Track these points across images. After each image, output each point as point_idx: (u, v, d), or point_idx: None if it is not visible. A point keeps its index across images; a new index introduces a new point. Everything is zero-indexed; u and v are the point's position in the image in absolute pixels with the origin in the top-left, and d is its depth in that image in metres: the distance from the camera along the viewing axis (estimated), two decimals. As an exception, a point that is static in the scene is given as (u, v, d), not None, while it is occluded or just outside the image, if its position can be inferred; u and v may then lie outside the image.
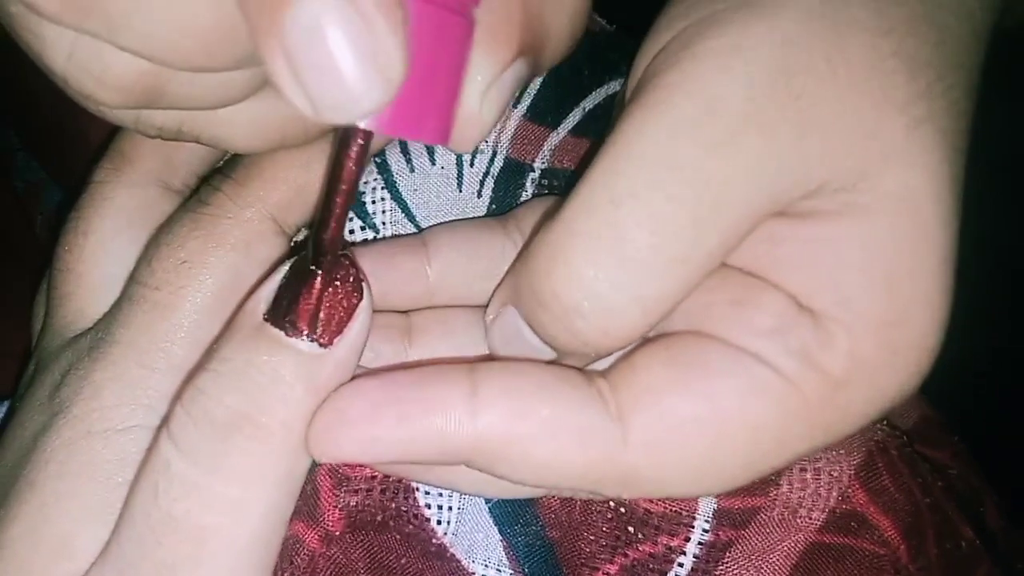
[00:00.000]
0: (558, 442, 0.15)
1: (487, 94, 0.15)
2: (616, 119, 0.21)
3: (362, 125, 0.13)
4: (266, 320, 0.16)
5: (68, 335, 0.20)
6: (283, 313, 0.15)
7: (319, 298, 0.15)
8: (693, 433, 0.16)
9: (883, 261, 0.15)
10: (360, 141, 0.14)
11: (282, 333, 0.15)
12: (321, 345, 0.16)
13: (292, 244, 0.20)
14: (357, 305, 0.16)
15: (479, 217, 0.21)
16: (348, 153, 0.14)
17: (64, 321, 0.20)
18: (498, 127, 0.22)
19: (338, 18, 0.11)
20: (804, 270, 0.16)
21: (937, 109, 0.15)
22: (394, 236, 0.21)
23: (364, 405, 0.16)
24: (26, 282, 0.26)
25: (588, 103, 0.22)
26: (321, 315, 0.15)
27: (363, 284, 0.16)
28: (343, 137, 0.14)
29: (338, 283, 0.16)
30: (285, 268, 0.16)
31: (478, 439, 0.15)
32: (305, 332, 0.15)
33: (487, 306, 0.18)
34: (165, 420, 0.16)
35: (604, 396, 0.16)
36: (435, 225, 0.21)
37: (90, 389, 0.18)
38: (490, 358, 0.18)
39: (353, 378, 0.16)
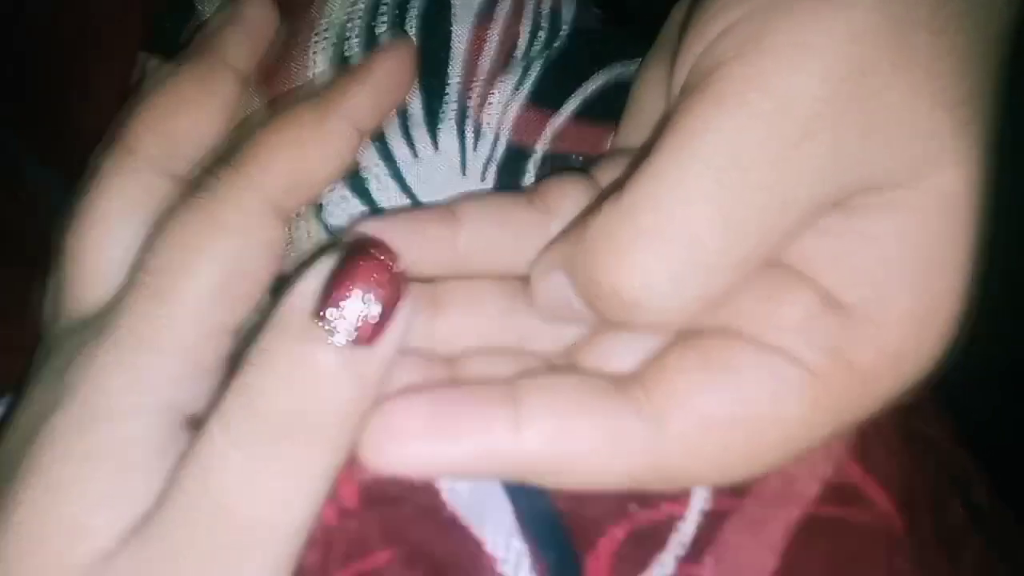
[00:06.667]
0: (601, 455, 0.16)
1: None
2: (638, 93, 0.21)
3: None
4: (312, 319, 0.16)
5: (75, 319, 0.20)
6: (328, 312, 0.16)
7: (367, 296, 0.16)
8: (727, 434, 0.16)
9: (919, 257, 0.16)
10: None
11: (328, 333, 0.16)
12: (366, 344, 0.16)
13: (334, 238, 0.20)
14: (399, 302, 0.16)
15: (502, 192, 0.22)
16: None
17: (71, 306, 0.20)
18: (501, 112, 0.22)
19: None
20: (840, 264, 0.16)
21: (978, 110, 0.16)
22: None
23: (416, 424, 0.16)
24: (34, 282, 0.26)
25: (589, 86, 0.23)
26: (366, 314, 0.16)
27: (405, 283, 0.16)
28: None
29: (384, 281, 0.16)
30: (326, 265, 0.16)
31: (525, 458, 0.16)
32: (351, 331, 0.16)
33: (534, 264, 0.19)
34: (216, 412, 0.17)
35: (640, 403, 0.17)
36: (463, 195, 0.21)
37: (95, 372, 0.18)
38: (511, 330, 0.19)
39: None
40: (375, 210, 0.22)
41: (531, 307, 0.19)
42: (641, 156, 0.16)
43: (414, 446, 0.16)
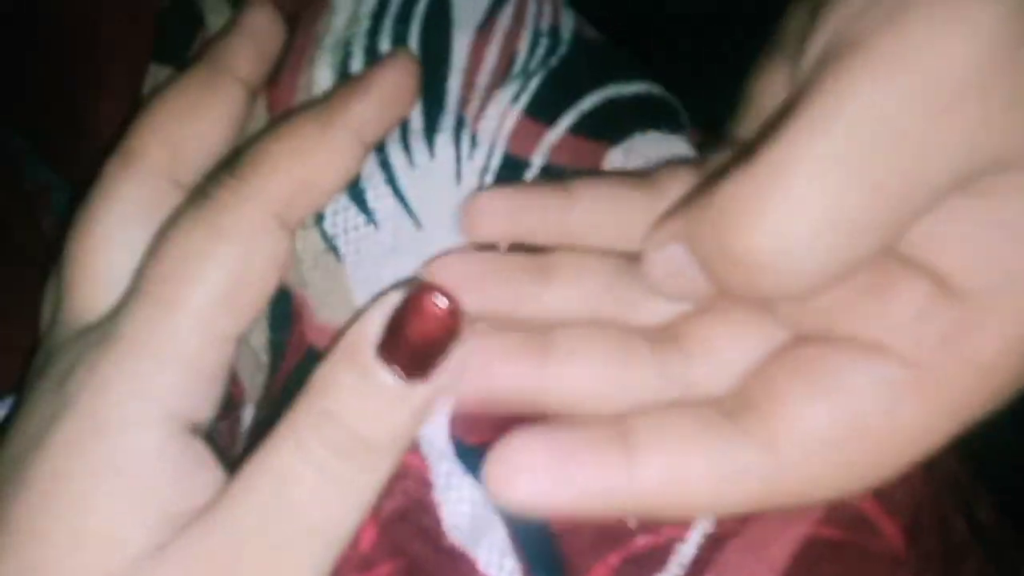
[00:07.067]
0: (716, 487, 0.17)
1: None
2: (758, 88, 0.20)
3: None
4: (376, 352, 0.17)
5: (76, 326, 0.20)
6: (390, 348, 0.17)
7: (424, 337, 0.17)
8: (843, 452, 0.16)
9: None
10: None
11: (389, 368, 0.17)
12: (422, 378, 0.18)
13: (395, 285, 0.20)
14: (454, 340, 0.18)
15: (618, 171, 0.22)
16: None
17: (72, 313, 0.20)
18: (497, 122, 0.22)
19: None
20: (962, 248, 0.16)
21: None
22: (393, 231, 0.21)
23: (537, 462, 0.17)
24: (34, 282, 0.26)
25: (585, 104, 0.23)
26: (424, 351, 0.17)
27: (461, 323, 0.18)
28: None
29: (440, 323, 0.17)
30: (391, 301, 0.18)
31: (640, 497, 0.17)
32: (410, 367, 0.17)
33: (649, 236, 0.19)
34: (287, 427, 0.18)
35: (751, 430, 0.17)
36: (578, 175, 0.21)
37: (98, 382, 0.18)
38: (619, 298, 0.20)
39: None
40: (370, 220, 0.21)
41: (637, 283, 0.19)
42: (764, 133, 0.16)
43: (535, 483, 0.17)
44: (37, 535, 0.17)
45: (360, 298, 0.21)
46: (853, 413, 0.16)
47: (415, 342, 0.17)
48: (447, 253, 0.20)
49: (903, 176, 0.15)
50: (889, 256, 0.17)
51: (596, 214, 0.20)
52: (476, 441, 0.20)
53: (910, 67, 0.15)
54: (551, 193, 0.20)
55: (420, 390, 0.18)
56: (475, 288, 0.19)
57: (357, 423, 0.17)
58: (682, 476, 0.17)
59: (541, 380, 0.18)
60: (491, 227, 0.20)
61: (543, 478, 0.17)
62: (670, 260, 0.18)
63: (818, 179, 0.15)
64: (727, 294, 0.17)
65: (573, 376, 0.18)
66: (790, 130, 0.15)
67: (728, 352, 0.18)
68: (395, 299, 0.18)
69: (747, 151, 0.16)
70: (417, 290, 0.18)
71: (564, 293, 0.20)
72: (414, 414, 0.18)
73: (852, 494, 0.17)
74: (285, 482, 0.17)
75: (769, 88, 0.20)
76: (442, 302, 0.17)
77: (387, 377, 0.17)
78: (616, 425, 0.17)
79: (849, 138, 0.15)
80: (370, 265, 0.21)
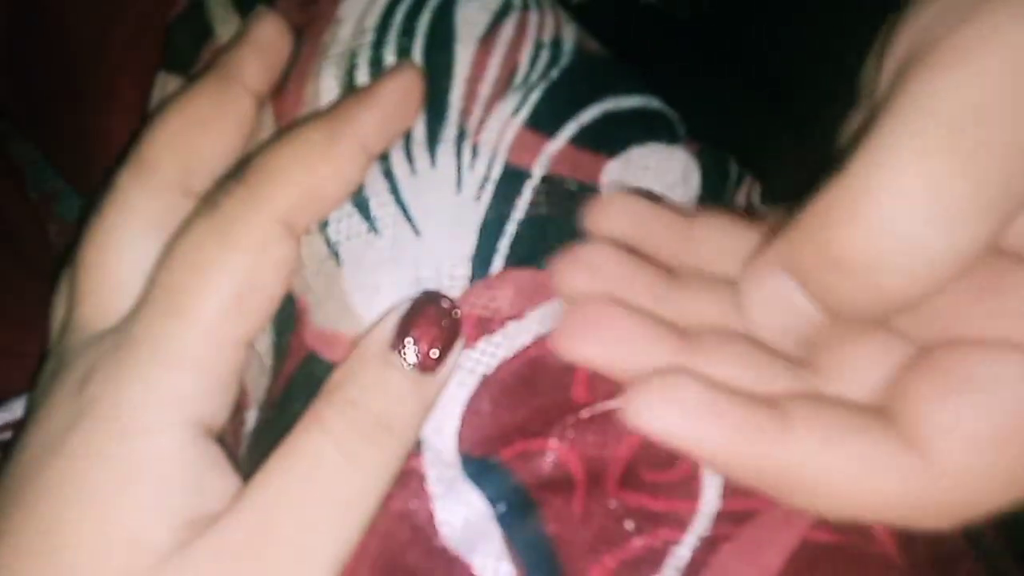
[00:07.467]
0: (864, 478, 0.16)
1: None
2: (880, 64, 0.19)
3: None
4: (390, 349, 0.19)
5: (90, 332, 0.20)
6: (404, 344, 0.20)
7: (432, 335, 0.20)
8: (1001, 452, 0.16)
9: None
10: None
11: (402, 361, 0.19)
12: (429, 371, 0.19)
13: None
14: (455, 340, 0.20)
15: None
16: None
17: (85, 319, 0.21)
18: (498, 134, 0.23)
19: None
20: None
21: None
22: (393, 238, 0.22)
23: (690, 398, 0.17)
24: (40, 288, 0.27)
25: (585, 116, 0.23)
26: (430, 348, 0.20)
27: (460, 326, 0.20)
28: None
29: (445, 324, 0.20)
30: (401, 308, 0.20)
31: (786, 465, 0.17)
32: (420, 360, 0.19)
33: (745, 274, 0.18)
34: (313, 414, 0.19)
35: (901, 434, 0.17)
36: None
37: (116, 389, 0.19)
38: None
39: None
40: (372, 227, 0.22)
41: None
42: (849, 150, 0.16)
43: (685, 415, 0.17)
44: (65, 539, 0.18)
45: (357, 304, 0.21)
46: (1001, 411, 0.16)
47: (423, 340, 0.20)
48: (595, 242, 0.20)
49: (1003, 160, 0.15)
50: (995, 255, 0.16)
51: (713, 241, 0.21)
52: (480, 454, 0.20)
53: (996, 51, 0.15)
54: (673, 210, 0.21)
55: (430, 381, 0.19)
56: (618, 277, 0.19)
57: (379, 409, 0.19)
58: (834, 456, 0.16)
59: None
60: (618, 225, 0.21)
61: (694, 413, 0.17)
62: (771, 291, 0.17)
63: (919, 171, 0.15)
64: (837, 316, 0.17)
65: (713, 372, 0.18)
66: (881, 131, 0.15)
67: (859, 370, 0.18)
68: (406, 305, 0.20)
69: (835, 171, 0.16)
70: (425, 297, 0.20)
71: (699, 302, 0.20)
72: (427, 402, 0.20)
73: (1011, 501, 0.16)
74: (313, 463, 0.18)
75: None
76: (446, 306, 0.20)
77: (403, 370, 0.19)
78: (770, 398, 0.17)
79: (944, 127, 0.15)
80: (368, 272, 0.22)
